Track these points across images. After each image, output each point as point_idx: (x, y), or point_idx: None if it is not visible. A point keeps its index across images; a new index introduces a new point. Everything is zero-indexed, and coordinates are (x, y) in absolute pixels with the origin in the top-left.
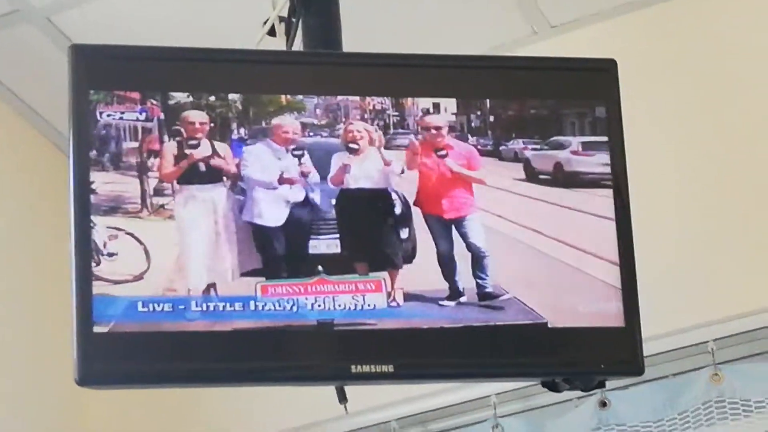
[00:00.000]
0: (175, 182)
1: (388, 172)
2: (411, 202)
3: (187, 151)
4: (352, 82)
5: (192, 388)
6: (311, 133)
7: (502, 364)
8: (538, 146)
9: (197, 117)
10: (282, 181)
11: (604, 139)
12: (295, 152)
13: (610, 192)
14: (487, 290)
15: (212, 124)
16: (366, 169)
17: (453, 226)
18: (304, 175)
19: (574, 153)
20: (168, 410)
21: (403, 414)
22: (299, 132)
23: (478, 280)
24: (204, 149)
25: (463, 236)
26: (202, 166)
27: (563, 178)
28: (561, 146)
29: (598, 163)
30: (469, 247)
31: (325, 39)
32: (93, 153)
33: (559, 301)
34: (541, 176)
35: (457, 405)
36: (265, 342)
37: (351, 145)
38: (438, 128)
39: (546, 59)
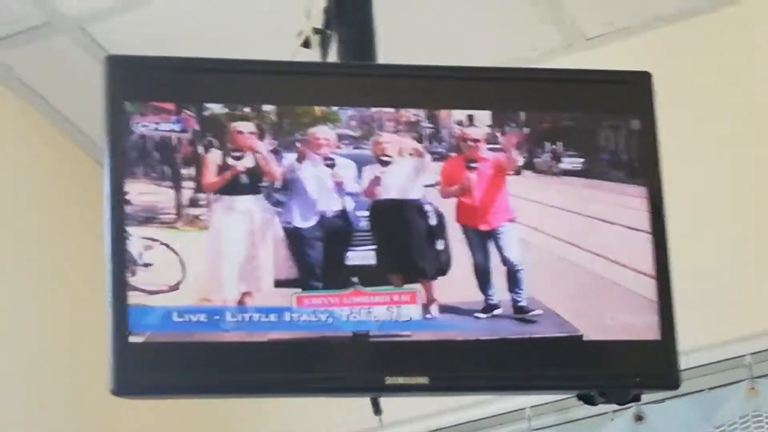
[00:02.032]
0: (211, 193)
1: (421, 184)
2: (447, 213)
3: (231, 162)
4: (386, 94)
5: (224, 399)
6: (346, 144)
7: (537, 376)
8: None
9: (246, 127)
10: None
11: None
12: (327, 162)
13: (644, 191)
14: (522, 303)
15: (257, 135)
16: (399, 182)
17: (490, 238)
18: (338, 185)
19: None
20: (201, 420)
21: (438, 426)
22: (335, 143)
23: (514, 293)
24: (248, 160)
25: (499, 249)
26: (244, 177)
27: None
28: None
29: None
30: (504, 260)
31: (359, 50)
32: (128, 164)
33: (594, 313)
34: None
35: (492, 417)
36: (300, 353)
37: (382, 158)
38: (476, 141)
39: (580, 71)
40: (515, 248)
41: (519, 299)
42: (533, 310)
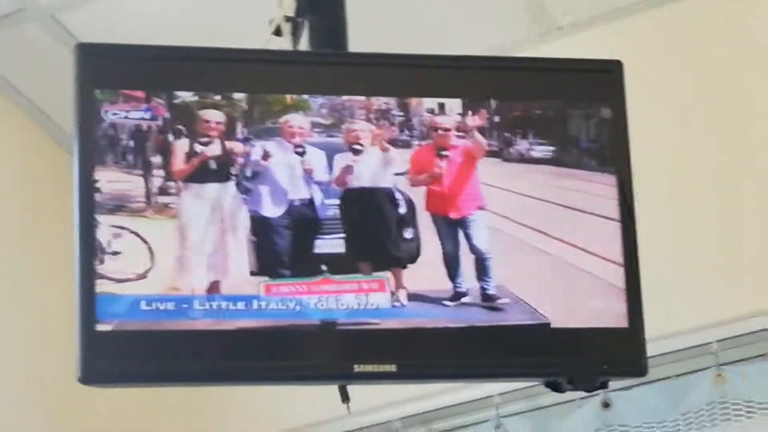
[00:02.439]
0: (180, 181)
1: (392, 172)
2: (417, 201)
3: (199, 149)
4: (357, 82)
5: (193, 387)
6: (318, 133)
7: (505, 364)
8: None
9: (214, 116)
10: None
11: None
12: (297, 150)
13: (613, 179)
14: (490, 291)
15: (225, 124)
16: (370, 170)
17: (459, 226)
18: (307, 173)
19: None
20: (168, 409)
21: (406, 413)
22: (308, 130)
23: (482, 281)
24: (215, 147)
25: (468, 237)
26: (212, 164)
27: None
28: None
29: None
30: (472, 248)
31: (330, 39)
32: (98, 152)
33: (562, 301)
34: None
35: (460, 405)
36: (268, 341)
37: (354, 146)
38: (447, 129)
39: (551, 60)
40: (484, 236)
41: (487, 287)
42: (501, 298)
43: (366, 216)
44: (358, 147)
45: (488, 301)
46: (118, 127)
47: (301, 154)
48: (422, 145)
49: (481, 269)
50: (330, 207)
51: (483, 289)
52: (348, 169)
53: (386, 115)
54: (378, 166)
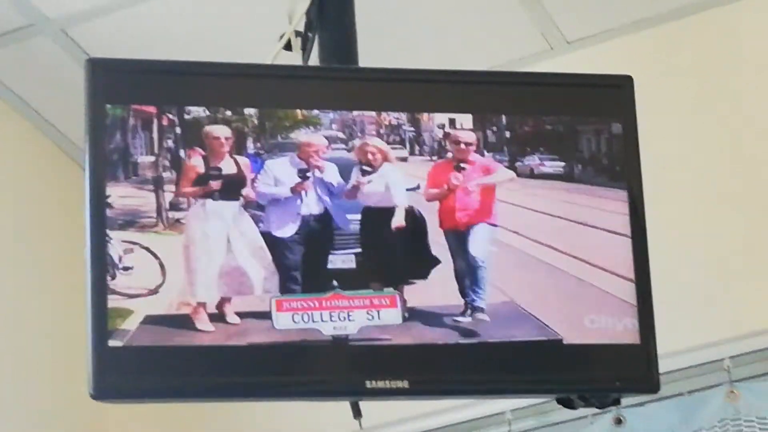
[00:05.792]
0: (191, 197)
1: (405, 188)
2: (429, 217)
3: (212, 165)
4: (367, 97)
5: (204, 403)
6: (332, 149)
7: (517, 380)
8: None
9: (222, 132)
10: (294, 191)
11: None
12: (312, 165)
13: (624, 195)
14: (502, 307)
15: (234, 139)
16: (382, 187)
17: (466, 239)
18: (322, 188)
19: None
20: (180, 423)
21: (418, 429)
22: (325, 148)
23: (493, 298)
24: (229, 166)
25: (469, 246)
26: (226, 181)
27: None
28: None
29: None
30: (471, 258)
31: (341, 54)
32: (109, 167)
33: (574, 317)
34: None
35: (472, 421)
36: (280, 357)
37: (367, 163)
38: (468, 144)
39: (562, 75)
40: (493, 251)
41: (498, 303)
42: (513, 314)
43: (378, 232)
44: (371, 164)
45: (499, 317)
46: (129, 142)
47: (317, 169)
48: (438, 160)
49: (489, 284)
50: (342, 222)
51: (494, 305)
52: (361, 186)
53: (397, 130)
54: (391, 183)
